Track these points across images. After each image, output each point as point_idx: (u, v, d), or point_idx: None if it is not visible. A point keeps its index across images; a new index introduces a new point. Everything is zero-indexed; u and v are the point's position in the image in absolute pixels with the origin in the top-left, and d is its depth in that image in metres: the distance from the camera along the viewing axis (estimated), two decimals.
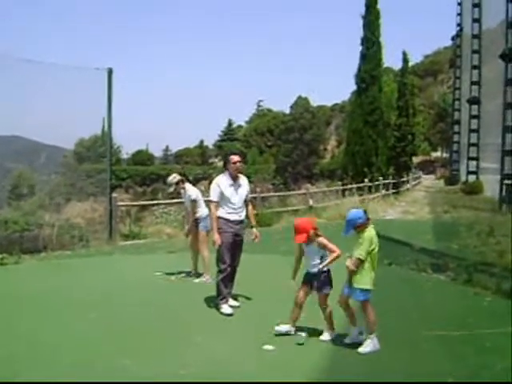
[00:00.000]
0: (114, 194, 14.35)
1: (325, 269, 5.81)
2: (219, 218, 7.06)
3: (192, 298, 7.80)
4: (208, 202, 7.64)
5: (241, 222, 7.21)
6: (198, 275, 9.23)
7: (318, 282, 5.80)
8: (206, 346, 5.72)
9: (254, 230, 7.38)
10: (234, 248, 7.11)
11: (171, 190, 9.47)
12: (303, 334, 5.92)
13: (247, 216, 7.39)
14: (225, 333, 6.22)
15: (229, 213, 7.08)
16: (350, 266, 5.54)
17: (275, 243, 11.87)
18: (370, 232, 5.59)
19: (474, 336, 5.88)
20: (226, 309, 6.97)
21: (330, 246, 5.81)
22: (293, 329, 5.96)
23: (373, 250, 5.55)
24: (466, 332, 5.97)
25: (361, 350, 5.50)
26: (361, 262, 5.52)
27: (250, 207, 7.54)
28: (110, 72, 14.16)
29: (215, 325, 6.53)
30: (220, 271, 7.11)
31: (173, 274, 9.45)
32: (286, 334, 5.91)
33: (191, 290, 8.41)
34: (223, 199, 7.07)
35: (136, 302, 7.55)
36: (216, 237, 7.00)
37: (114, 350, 5.58)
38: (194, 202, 9.16)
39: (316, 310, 5.99)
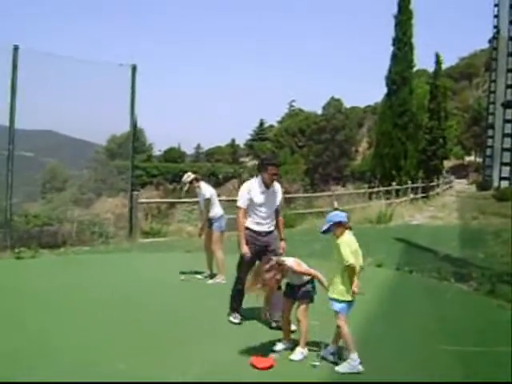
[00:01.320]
0: (134, 192, 14.29)
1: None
2: (245, 228, 6.50)
3: (202, 300, 7.68)
4: (237, 208, 6.69)
5: (269, 232, 6.55)
6: (212, 276, 9.10)
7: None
8: (210, 351, 5.55)
9: (282, 243, 6.72)
10: (258, 259, 6.36)
11: (185, 188, 9.38)
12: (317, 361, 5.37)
13: (277, 225, 6.70)
14: (231, 338, 6.01)
15: (256, 223, 6.46)
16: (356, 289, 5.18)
17: (295, 245, 11.61)
18: (347, 237, 5.25)
19: (492, 353, 5.58)
20: (234, 318, 6.64)
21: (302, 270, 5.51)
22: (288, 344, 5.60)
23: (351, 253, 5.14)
24: (484, 348, 5.68)
25: (337, 367, 5.08)
26: (350, 267, 5.09)
27: (280, 217, 6.80)
28: (134, 69, 14.13)
29: (222, 330, 6.35)
30: (237, 281, 6.65)
31: (187, 273, 9.36)
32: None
33: (203, 291, 8.30)
34: (252, 207, 6.43)
35: (146, 303, 7.46)
36: (245, 249, 6.39)
37: (114, 352, 5.45)
38: (208, 200, 9.05)
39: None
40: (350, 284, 5.13)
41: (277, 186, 6.58)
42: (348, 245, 5.16)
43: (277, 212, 6.66)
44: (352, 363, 5.04)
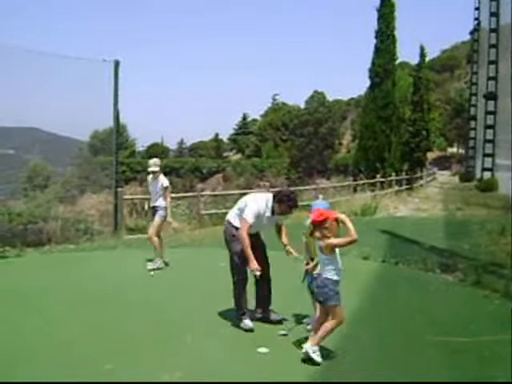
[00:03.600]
0: (119, 188, 14.20)
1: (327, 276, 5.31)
2: (237, 228, 6.36)
3: (185, 296, 7.67)
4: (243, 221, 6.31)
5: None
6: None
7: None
8: (197, 347, 5.56)
9: (288, 248, 6.44)
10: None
11: (156, 169, 9.87)
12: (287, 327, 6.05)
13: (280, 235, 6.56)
14: (217, 334, 6.02)
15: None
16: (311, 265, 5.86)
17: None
18: None
19: (477, 343, 5.62)
20: (246, 324, 6.30)
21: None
22: None
23: None
24: (470, 339, 5.71)
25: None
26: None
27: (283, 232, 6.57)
28: (117, 64, 14.02)
29: (208, 326, 6.33)
30: (236, 282, 6.46)
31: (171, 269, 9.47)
32: None
33: (185, 288, 8.24)
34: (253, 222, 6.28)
35: (132, 300, 7.42)
36: (254, 265, 6.11)
37: (98, 351, 5.43)
38: (167, 189, 9.84)
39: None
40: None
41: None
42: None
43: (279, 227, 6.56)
44: None
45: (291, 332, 5.96)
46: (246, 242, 6.13)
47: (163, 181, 9.84)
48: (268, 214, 6.28)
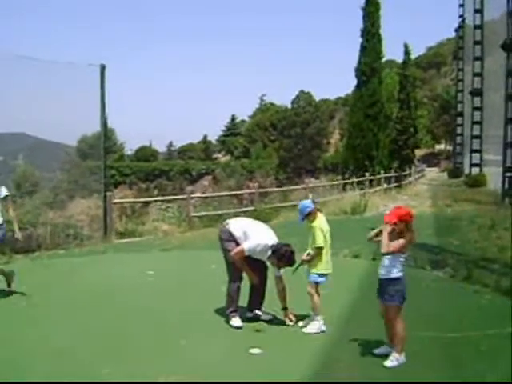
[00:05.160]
0: (108, 193, 14.14)
1: (393, 276, 5.18)
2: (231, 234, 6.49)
3: (177, 299, 7.63)
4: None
5: None
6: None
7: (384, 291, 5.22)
8: (190, 350, 5.54)
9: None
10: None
11: None
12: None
13: None
14: (211, 337, 6.01)
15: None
16: (307, 257, 6.09)
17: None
18: (319, 220, 6.05)
19: (470, 338, 5.64)
20: (235, 321, 6.37)
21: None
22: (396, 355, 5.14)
23: (324, 236, 6.01)
24: (462, 334, 5.73)
25: (305, 330, 6.04)
26: (321, 249, 5.99)
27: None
28: (103, 68, 13.96)
29: (202, 328, 6.31)
30: (230, 280, 6.51)
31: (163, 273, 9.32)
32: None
33: (177, 291, 8.20)
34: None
35: (120, 305, 7.37)
36: (255, 279, 6.52)
37: (93, 356, 5.40)
38: (4, 200, 7.82)
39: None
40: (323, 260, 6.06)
41: None
42: (320, 229, 6.01)
43: None
44: (317, 324, 6.03)
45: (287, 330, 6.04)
46: (243, 266, 6.42)
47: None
48: (264, 257, 6.36)
